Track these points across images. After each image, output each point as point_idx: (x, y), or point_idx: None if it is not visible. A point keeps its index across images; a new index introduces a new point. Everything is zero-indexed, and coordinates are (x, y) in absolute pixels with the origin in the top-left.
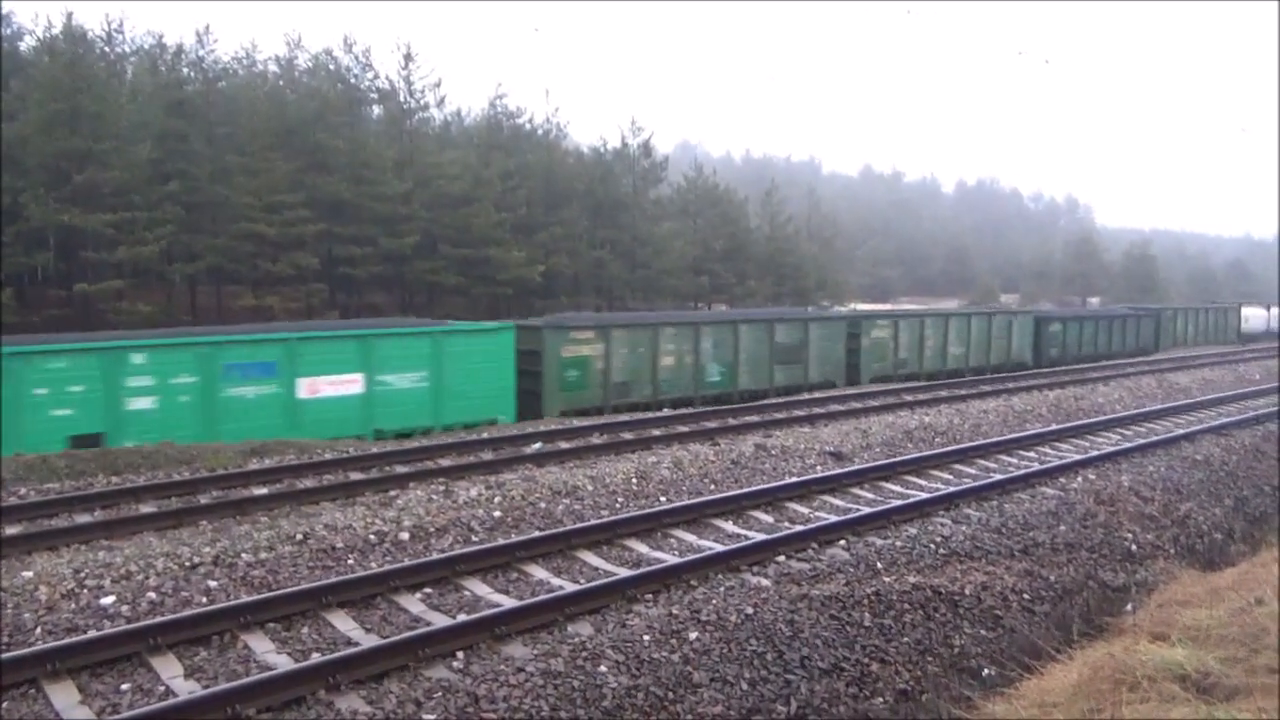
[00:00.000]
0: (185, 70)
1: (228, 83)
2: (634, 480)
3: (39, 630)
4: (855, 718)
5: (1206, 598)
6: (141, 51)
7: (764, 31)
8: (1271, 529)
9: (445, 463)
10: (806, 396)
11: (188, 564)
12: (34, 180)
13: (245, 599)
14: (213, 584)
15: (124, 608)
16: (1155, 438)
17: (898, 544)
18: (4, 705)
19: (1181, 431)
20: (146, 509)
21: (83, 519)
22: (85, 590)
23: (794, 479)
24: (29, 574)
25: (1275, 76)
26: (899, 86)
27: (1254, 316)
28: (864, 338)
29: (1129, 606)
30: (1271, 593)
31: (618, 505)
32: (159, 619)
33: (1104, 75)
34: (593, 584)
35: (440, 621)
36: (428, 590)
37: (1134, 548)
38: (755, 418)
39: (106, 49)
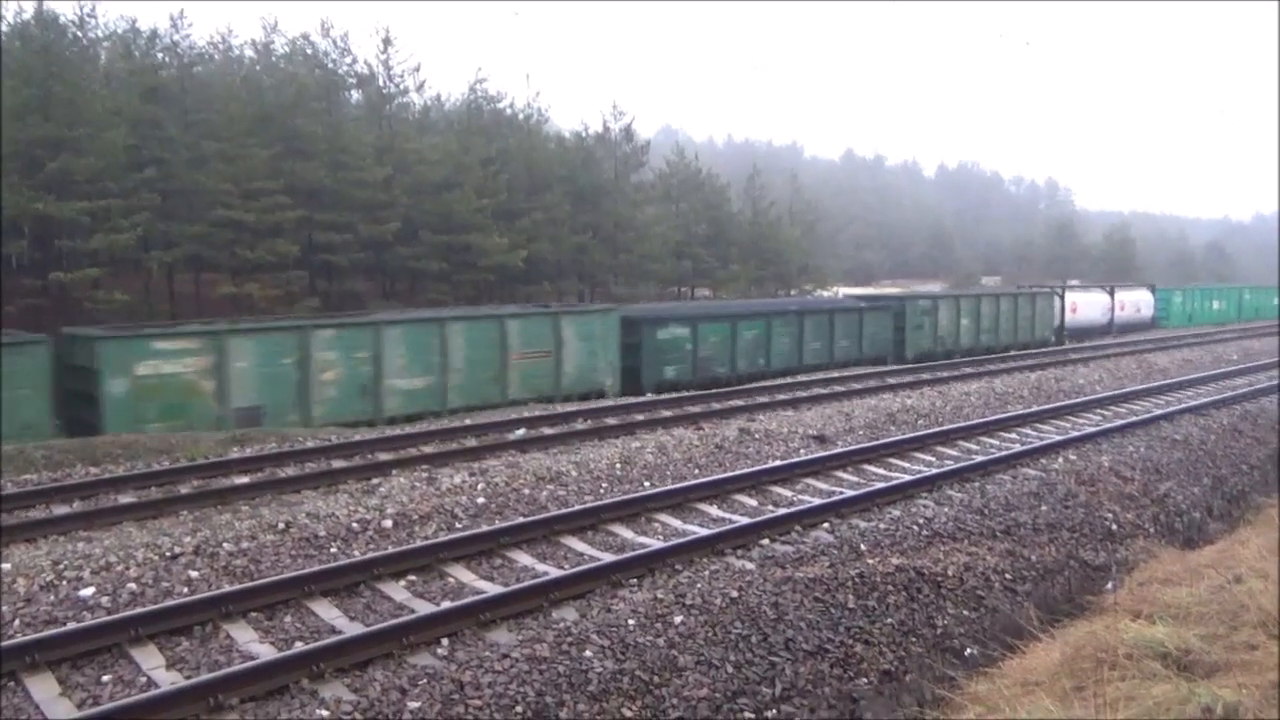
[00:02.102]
0: (160, 56)
1: (203, 68)
2: (618, 465)
3: (17, 622)
4: (839, 699)
5: (1186, 576)
6: (115, 37)
7: (745, 15)
8: (1250, 507)
9: (428, 450)
10: (770, 384)
11: (168, 554)
12: (6, 168)
13: (227, 589)
14: (194, 574)
15: (104, 599)
16: (1135, 418)
17: (881, 526)
18: None
19: (1160, 412)
20: (126, 499)
21: (61, 510)
22: (64, 582)
23: (778, 462)
24: (6, 566)
25: (1248, 58)
26: (880, 70)
27: (1087, 304)
28: (113, 379)
29: (1110, 585)
30: (1249, 570)
31: (602, 491)
32: (139, 610)
33: (1084, 58)
34: (577, 569)
35: (424, 609)
36: (412, 578)
37: (1114, 527)
38: (740, 402)
39: (79, 34)
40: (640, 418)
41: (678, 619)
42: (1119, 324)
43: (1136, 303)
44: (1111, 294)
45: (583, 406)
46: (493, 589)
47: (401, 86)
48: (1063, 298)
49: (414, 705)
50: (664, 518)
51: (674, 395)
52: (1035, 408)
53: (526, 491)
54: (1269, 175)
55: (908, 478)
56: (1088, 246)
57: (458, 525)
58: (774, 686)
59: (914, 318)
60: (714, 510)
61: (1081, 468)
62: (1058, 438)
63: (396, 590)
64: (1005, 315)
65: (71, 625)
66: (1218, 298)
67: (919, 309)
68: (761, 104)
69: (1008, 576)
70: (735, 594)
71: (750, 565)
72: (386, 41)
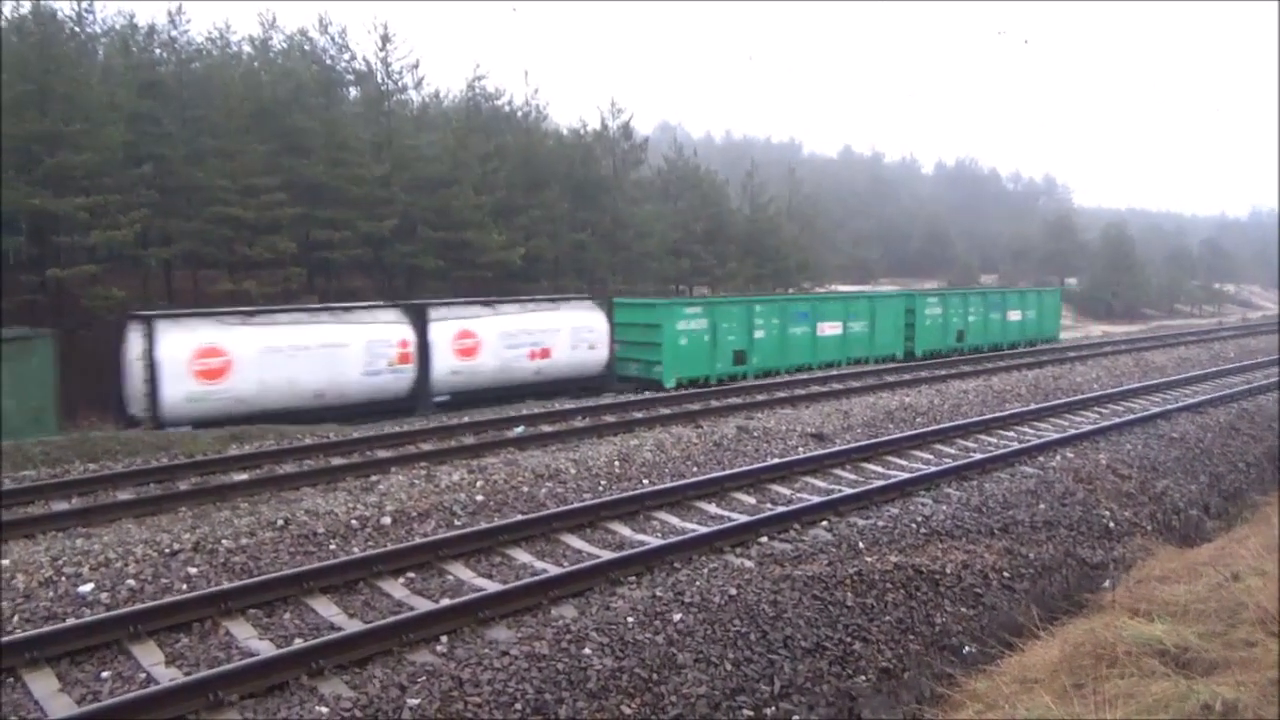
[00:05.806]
0: (157, 51)
1: (201, 64)
2: (616, 463)
3: (16, 618)
4: (838, 696)
5: (1184, 573)
6: (113, 32)
7: (744, 11)
8: (1247, 505)
9: (427, 447)
10: (787, 379)
11: (167, 551)
12: (3, 163)
13: (226, 585)
14: (193, 570)
15: (103, 595)
16: (1132, 416)
17: (879, 524)
18: None
19: (1158, 409)
20: (125, 496)
21: (60, 506)
22: (63, 578)
23: (776, 460)
24: (5, 562)
25: (1244, 56)
26: (879, 67)
27: (265, 350)
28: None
29: (1107, 583)
30: (1247, 568)
31: (600, 488)
32: (139, 606)
33: (1082, 56)
34: (576, 567)
35: (423, 606)
36: (410, 575)
37: (1112, 525)
38: (737, 400)
39: (76, 29)
40: (638, 415)
41: (676, 616)
42: (452, 385)
43: (533, 339)
44: (421, 322)
45: (581, 404)
46: (492, 586)
47: (400, 83)
48: (150, 328)
49: (413, 702)
50: (662, 515)
51: (671, 394)
52: (1033, 406)
53: (525, 489)
54: (1264, 171)
55: (906, 476)
56: (1085, 243)
57: (456, 522)
58: (773, 684)
59: None
60: (712, 508)
61: (1079, 466)
62: (1055, 436)
63: (395, 587)
64: None
65: (71, 621)
66: (833, 316)
67: None
68: (760, 100)
69: (1006, 574)
70: (734, 592)
71: (749, 563)
72: (385, 38)
